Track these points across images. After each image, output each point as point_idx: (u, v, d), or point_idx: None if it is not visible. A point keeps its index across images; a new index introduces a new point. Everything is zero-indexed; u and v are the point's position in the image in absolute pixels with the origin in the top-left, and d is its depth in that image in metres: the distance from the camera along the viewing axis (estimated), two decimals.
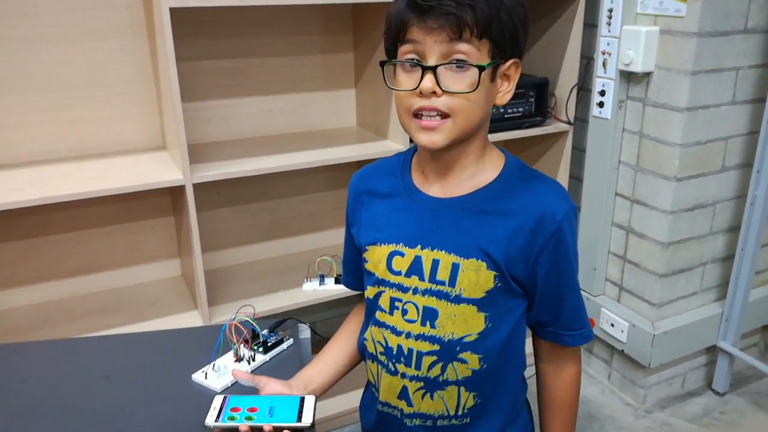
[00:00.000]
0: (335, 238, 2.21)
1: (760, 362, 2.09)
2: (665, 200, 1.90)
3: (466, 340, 0.89)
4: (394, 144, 1.86)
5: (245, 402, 0.90)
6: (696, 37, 1.72)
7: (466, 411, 0.93)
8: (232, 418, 0.87)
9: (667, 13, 1.77)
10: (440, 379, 0.91)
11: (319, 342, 2.27)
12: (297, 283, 1.89)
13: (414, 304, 0.90)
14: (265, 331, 1.13)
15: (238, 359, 1.08)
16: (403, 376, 0.92)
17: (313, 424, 0.87)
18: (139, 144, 1.82)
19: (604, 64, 1.93)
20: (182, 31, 1.62)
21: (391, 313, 0.92)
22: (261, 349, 1.10)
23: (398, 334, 0.91)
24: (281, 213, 2.10)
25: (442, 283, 0.88)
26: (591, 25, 1.99)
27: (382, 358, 0.95)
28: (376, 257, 0.93)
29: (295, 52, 1.94)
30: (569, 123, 2.06)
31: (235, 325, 1.09)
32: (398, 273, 0.91)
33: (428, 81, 0.79)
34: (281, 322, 1.17)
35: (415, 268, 0.89)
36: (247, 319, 1.10)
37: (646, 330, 2.00)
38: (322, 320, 2.28)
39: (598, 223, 2.09)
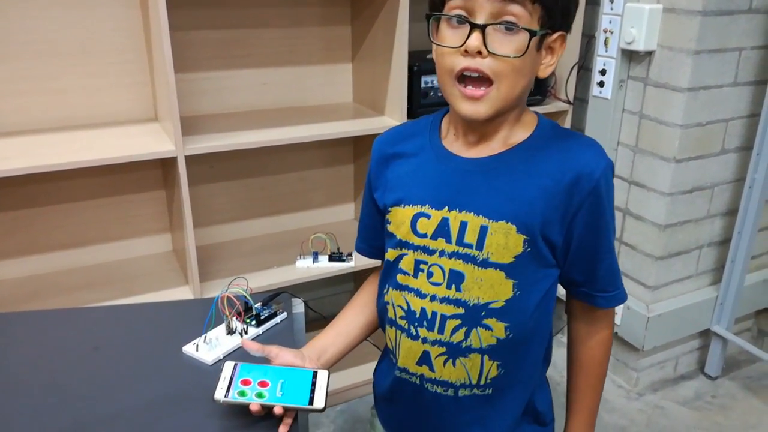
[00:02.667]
0: (329, 215, 2.19)
1: (753, 346, 2.09)
2: (664, 182, 1.89)
3: (492, 306, 0.86)
4: (390, 120, 1.83)
5: (256, 373, 0.88)
6: (700, 16, 1.70)
7: (488, 381, 0.90)
8: (242, 393, 0.84)
9: None
10: (463, 345, 0.88)
11: (313, 319, 2.27)
12: (290, 260, 1.87)
13: (440, 267, 0.87)
14: (258, 304, 1.10)
15: (230, 332, 1.05)
16: (425, 340, 0.90)
17: (324, 407, 0.84)
18: (130, 115, 1.78)
19: (605, 43, 1.90)
20: (176, 0, 1.58)
21: (415, 275, 0.90)
22: (254, 322, 1.08)
23: (422, 296, 0.89)
24: (275, 189, 2.07)
25: (470, 246, 0.85)
26: (593, 3, 1.95)
27: (402, 322, 0.92)
28: (399, 218, 0.91)
29: (292, 24, 1.90)
30: (569, 102, 2.03)
31: (227, 297, 1.06)
32: (423, 235, 0.88)
33: (475, 39, 0.77)
34: (275, 296, 1.15)
35: (442, 230, 0.87)
36: (241, 291, 1.08)
37: (640, 312, 1.99)
38: (315, 299, 2.26)
39: None
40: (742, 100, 1.89)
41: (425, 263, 0.89)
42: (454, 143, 0.90)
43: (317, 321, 2.18)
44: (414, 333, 0.90)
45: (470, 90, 0.80)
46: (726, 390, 2.13)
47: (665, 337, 2.06)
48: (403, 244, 0.90)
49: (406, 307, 0.91)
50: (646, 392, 2.12)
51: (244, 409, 0.84)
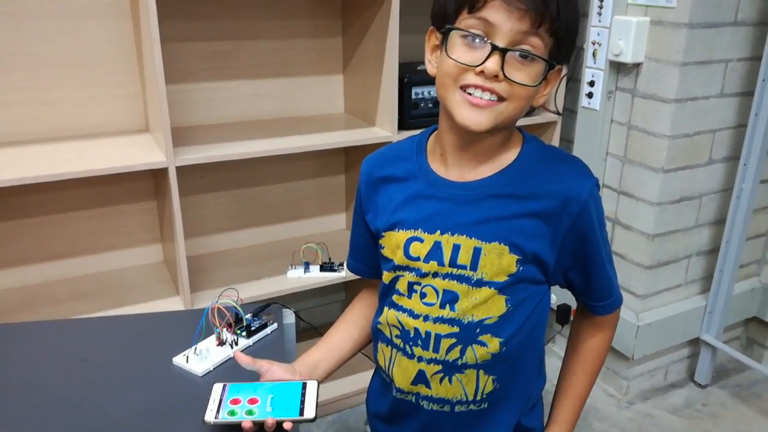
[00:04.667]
0: (320, 225, 2.19)
1: (743, 355, 2.10)
2: (652, 192, 1.90)
3: (487, 322, 0.88)
4: (381, 131, 1.84)
5: (245, 392, 0.88)
6: (686, 29, 1.72)
7: (484, 396, 0.92)
8: (232, 413, 0.85)
9: (658, 3, 1.76)
10: (459, 362, 0.89)
11: (304, 329, 2.26)
12: (281, 270, 1.87)
13: (433, 288, 0.89)
14: (248, 315, 1.11)
15: (221, 343, 1.06)
16: (420, 359, 0.91)
17: (316, 417, 0.85)
18: (121, 126, 1.78)
19: (594, 55, 1.93)
20: (168, 11, 1.59)
21: (409, 296, 0.91)
22: (244, 333, 1.08)
23: (416, 317, 0.90)
24: (266, 199, 2.08)
25: (464, 267, 0.86)
26: (582, 15, 1.97)
27: (398, 341, 0.93)
28: (393, 243, 0.92)
29: (283, 36, 1.91)
30: (558, 113, 2.05)
31: (217, 308, 1.06)
32: (416, 258, 0.89)
33: (495, 63, 0.77)
34: (265, 307, 1.15)
35: (435, 253, 0.88)
36: (231, 302, 1.08)
37: (630, 321, 2.00)
38: (307, 309, 2.26)
39: None
40: (729, 111, 1.91)
41: (419, 284, 0.90)
42: (441, 166, 0.90)
43: (308, 331, 2.18)
44: (410, 352, 0.92)
45: (476, 99, 0.79)
46: (716, 398, 2.14)
47: (655, 345, 2.07)
48: (398, 268, 0.92)
49: (400, 327, 0.92)
50: (636, 401, 2.13)
51: (236, 427, 0.84)
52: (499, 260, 0.85)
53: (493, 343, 0.88)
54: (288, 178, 2.09)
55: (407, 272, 0.91)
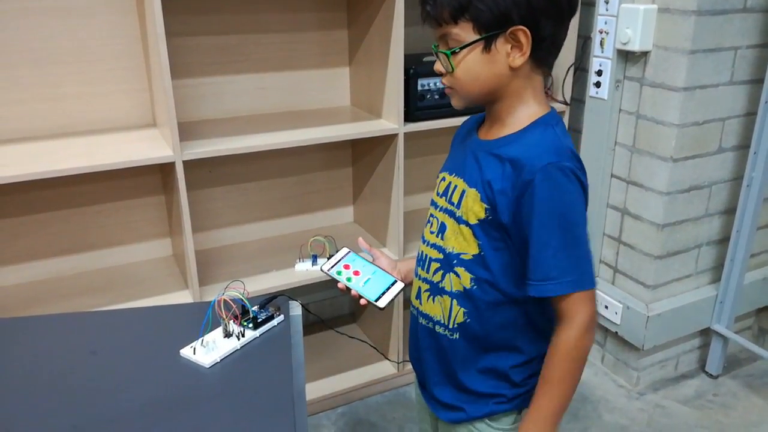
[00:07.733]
0: (328, 218, 2.19)
1: (754, 345, 2.09)
2: (661, 181, 1.89)
3: (462, 257, 1.01)
4: (388, 123, 1.84)
5: (356, 264, 1.14)
6: (695, 16, 1.70)
7: (456, 325, 1.04)
8: (339, 273, 1.12)
9: None
10: (440, 285, 1.04)
11: (313, 321, 2.27)
12: (289, 263, 1.88)
13: (436, 219, 1.06)
14: (255, 307, 1.11)
15: (227, 335, 1.06)
16: (420, 278, 1.09)
17: (384, 308, 1.09)
18: (128, 121, 1.79)
19: (601, 44, 1.91)
20: (173, 6, 1.60)
21: (426, 225, 1.10)
22: (251, 325, 1.08)
23: (425, 242, 1.09)
24: (274, 193, 2.08)
25: (453, 204, 1.02)
26: (589, 4, 1.96)
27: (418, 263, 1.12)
28: (437, 182, 1.10)
29: (289, 29, 1.91)
30: (566, 103, 2.04)
31: (224, 300, 1.07)
32: (437, 194, 1.08)
33: (437, 65, 0.97)
34: (272, 299, 1.15)
35: (446, 190, 1.05)
36: (237, 294, 1.08)
37: (640, 312, 1.99)
38: (315, 302, 2.27)
39: (593, 205, 2.08)
40: (739, 99, 1.89)
41: (433, 216, 1.08)
42: (482, 127, 1.06)
43: (317, 324, 2.19)
44: (417, 272, 1.11)
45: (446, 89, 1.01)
46: (727, 388, 2.13)
47: (665, 336, 2.06)
48: (431, 202, 1.10)
49: (419, 251, 1.11)
50: (647, 391, 2.12)
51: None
52: (473, 203, 0.98)
53: (465, 277, 1.01)
54: (295, 172, 2.09)
55: (432, 206, 1.08)
